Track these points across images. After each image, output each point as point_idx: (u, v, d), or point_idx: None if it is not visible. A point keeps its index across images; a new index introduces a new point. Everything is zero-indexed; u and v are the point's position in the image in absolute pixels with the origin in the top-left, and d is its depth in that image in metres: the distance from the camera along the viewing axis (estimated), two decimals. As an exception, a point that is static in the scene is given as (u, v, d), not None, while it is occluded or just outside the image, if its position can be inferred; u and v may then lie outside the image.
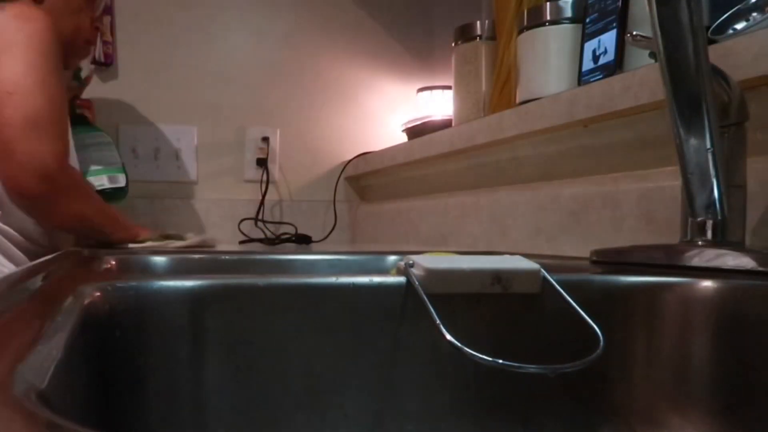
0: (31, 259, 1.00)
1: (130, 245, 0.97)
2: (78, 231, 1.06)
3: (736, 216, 0.50)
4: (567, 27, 0.90)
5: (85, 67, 1.36)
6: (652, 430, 0.43)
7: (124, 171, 1.22)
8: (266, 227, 1.53)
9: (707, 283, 0.43)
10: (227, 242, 1.42)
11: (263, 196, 1.54)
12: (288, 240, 1.45)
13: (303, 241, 1.44)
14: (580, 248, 0.77)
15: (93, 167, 1.15)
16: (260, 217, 1.53)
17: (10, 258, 1.00)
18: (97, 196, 1.06)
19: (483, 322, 0.42)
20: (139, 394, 0.37)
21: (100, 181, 1.16)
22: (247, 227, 1.53)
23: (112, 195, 1.18)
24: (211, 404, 0.39)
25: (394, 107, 1.68)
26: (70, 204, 0.98)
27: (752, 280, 0.42)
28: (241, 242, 1.45)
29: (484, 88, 1.13)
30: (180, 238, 1.04)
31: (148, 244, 1.00)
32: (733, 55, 0.56)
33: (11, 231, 1.00)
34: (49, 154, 0.93)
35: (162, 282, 0.38)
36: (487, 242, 0.97)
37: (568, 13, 0.90)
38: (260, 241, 1.45)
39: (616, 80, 0.70)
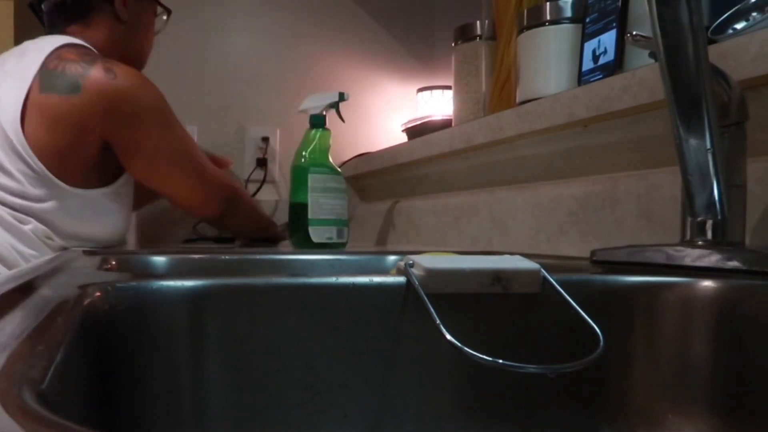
0: None
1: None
2: (248, 232, 1.25)
3: (736, 216, 0.50)
4: (567, 27, 0.90)
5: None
6: (652, 430, 0.43)
7: (348, 223, 1.13)
8: None
9: (707, 283, 0.43)
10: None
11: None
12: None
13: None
14: (580, 248, 0.77)
15: (325, 216, 1.05)
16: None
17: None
18: (252, 200, 1.26)
19: (483, 322, 0.42)
20: (139, 394, 0.37)
21: (329, 232, 1.06)
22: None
23: (329, 246, 1.09)
24: (211, 404, 0.39)
25: (394, 107, 1.68)
26: (245, 210, 1.19)
27: (752, 280, 0.42)
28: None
29: (484, 88, 1.13)
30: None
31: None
32: (733, 55, 0.56)
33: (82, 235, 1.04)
34: (221, 182, 1.11)
35: (162, 282, 0.38)
36: (487, 242, 0.97)
37: (568, 13, 0.90)
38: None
39: (616, 80, 0.70)
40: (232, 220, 1.17)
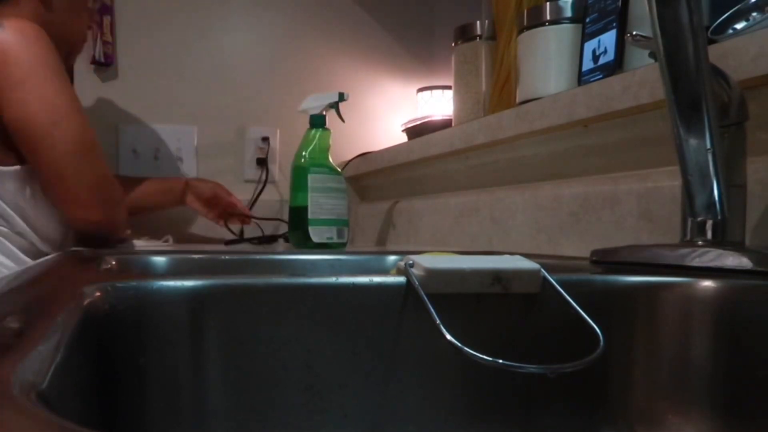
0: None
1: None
2: (119, 233, 1.08)
3: (736, 216, 0.50)
4: (567, 27, 0.90)
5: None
6: (652, 430, 0.43)
7: (348, 223, 1.12)
8: (260, 226, 1.52)
9: (707, 283, 0.43)
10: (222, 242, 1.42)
11: (258, 194, 1.53)
12: (273, 238, 1.44)
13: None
14: (580, 248, 0.77)
15: (325, 216, 1.05)
16: (253, 213, 1.52)
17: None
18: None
19: (483, 322, 0.42)
20: (139, 394, 0.37)
21: (329, 232, 1.06)
22: (246, 227, 1.53)
23: (329, 246, 1.08)
24: (211, 404, 0.39)
25: (394, 107, 1.68)
26: (122, 212, 1.02)
27: (752, 280, 0.42)
28: (227, 242, 1.43)
29: (484, 88, 1.13)
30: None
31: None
32: (733, 55, 0.56)
33: (30, 231, 1.01)
34: (104, 175, 0.97)
35: (162, 282, 0.38)
36: (487, 242, 0.97)
37: (568, 13, 0.90)
38: (249, 240, 1.44)
39: (616, 80, 0.70)
40: (114, 222, 0.99)
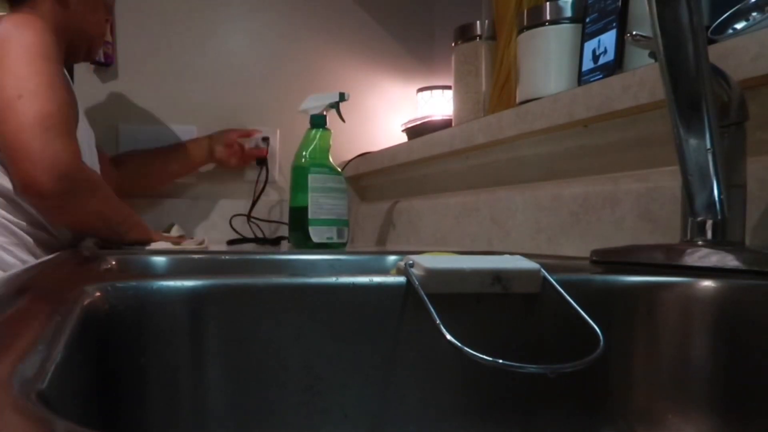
0: (48, 252, 1.02)
1: (146, 248, 0.96)
2: (94, 230, 1.04)
3: (736, 216, 0.50)
4: (567, 27, 0.90)
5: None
6: (652, 430, 0.43)
7: (348, 223, 1.12)
8: (260, 226, 1.52)
9: (707, 283, 0.43)
10: (223, 242, 1.43)
11: (259, 194, 1.53)
12: (277, 240, 1.44)
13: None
14: (580, 248, 0.77)
15: (325, 216, 1.05)
16: (253, 214, 1.52)
17: (31, 252, 1.02)
18: (113, 194, 1.05)
19: (483, 322, 0.42)
20: (139, 394, 0.37)
21: (329, 232, 1.06)
22: (245, 227, 1.53)
23: (329, 246, 1.08)
24: (211, 404, 0.39)
25: (394, 107, 1.68)
26: (88, 202, 0.98)
27: (752, 280, 0.42)
28: (230, 242, 1.43)
29: (484, 88, 1.13)
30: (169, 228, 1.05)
31: (161, 245, 0.99)
32: (733, 55, 0.56)
33: (26, 225, 1.01)
34: (65, 152, 0.94)
35: (162, 282, 0.38)
36: (487, 242, 0.97)
37: (568, 13, 0.90)
38: (252, 240, 1.44)
39: (616, 80, 0.70)
40: (68, 210, 0.97)
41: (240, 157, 1.50)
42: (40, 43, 0.97)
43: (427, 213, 1.19)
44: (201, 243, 1.08)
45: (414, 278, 0.41)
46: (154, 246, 0.99)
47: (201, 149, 1.47)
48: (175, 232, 1.31)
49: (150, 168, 1.44)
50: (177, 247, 0.99)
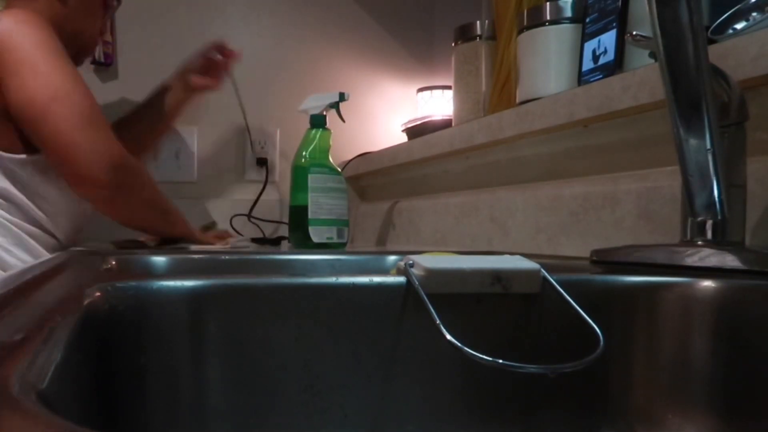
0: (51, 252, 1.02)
1: (192, 246, 0.96)
2: (146, 221, 1.04)
3: (736, 216, 0.50)
4: (567, 27, 0.90)
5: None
6: (652, 430, 0.43)
7: (348, 223, 1.11)
8: (260, 226, 1.52)
9: (707, 283, 0.43)
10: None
11: (259, 195, 1.53)
12: (277, 240, 1.45)
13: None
14: (580, 248, 0.77)
15: (325, 216, 1.04)
16: (253, 214, 1.52)
17: (31, 252, 1.02)
18: (157, 187, 1.05)
19: (483, 322, 0.42)
20: (139, 394, 0.37)
21: (330, 232, 1.05)
22: (246, 226, 1.53)
23: (329, 246, 1.07)
24: (211, 404, 0.39)
25: (394, 107, 1.68)
26: (141, 189, 1.00)
27: (752, 280, 0.42)
28: (254, 240, 1.44)
29: (484, 88, 1.13)
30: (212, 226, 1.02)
31: (216, 247, 0.98)
32: (733, 55, 0.56)
33: (26, 225, 1.01)
34: (112, 142, 0.95)
35: (162, 282, 0.38)
36: (487, 242, 0.97)
37: (568, 13, 0.90)
38: (253, 240, 1.45)
39: (616, 80, 0.70)
40: (124, 200, 0.97)
41: (215, 69, 1.33)
42: (49, 38, 0.97)
43: (427, 213, 1.19)
44: (226, 244, 1.07)
45: (414, 278, 0.41)
46: (207, 248, 0.96)
47: (175, 91, 1.33)
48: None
49: (136, 134, 1.33)
50: (212, 248, 0.97)
